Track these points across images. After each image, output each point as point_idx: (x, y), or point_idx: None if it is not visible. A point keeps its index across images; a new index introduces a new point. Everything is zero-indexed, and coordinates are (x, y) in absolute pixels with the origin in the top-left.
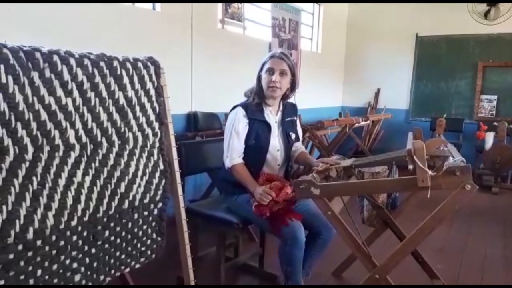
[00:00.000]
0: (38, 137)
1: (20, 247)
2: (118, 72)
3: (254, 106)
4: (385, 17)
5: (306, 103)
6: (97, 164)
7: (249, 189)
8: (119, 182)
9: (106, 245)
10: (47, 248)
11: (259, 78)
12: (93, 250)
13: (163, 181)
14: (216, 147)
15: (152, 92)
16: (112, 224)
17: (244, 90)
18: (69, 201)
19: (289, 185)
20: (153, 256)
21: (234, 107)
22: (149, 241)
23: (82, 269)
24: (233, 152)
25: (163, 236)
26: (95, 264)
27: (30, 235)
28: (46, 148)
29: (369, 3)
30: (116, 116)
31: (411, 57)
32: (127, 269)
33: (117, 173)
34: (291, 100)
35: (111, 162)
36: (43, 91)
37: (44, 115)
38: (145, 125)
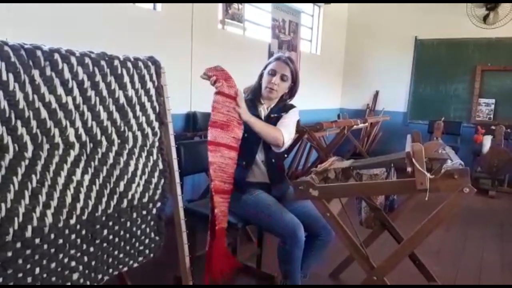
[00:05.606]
0: (38, 135)
1: (18, 245)
2: (119, 71)
3: (248, 102)
4: (385, 20)
5: (305, 105)
6: (96, 163)
7: None
8: (118, 181)
9: (105, 244)
10: (45, 246)
11: (260, 76)
12: (92, 249)
13: (162, 180)
14: None
15: (153, 91)
16: (110, 223)
17: (243, 87)
18: (68, 200)
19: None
20: (151, 255)
21: None
22: (147, 241)
23: (80, 267)
24: None
25: (161, 236)
26: (93, 263)
27: (28, 233)
28: (46, 146)
29: (368, 3)
30: (116, 115)
31: (410, 60)
32: (125, 268)
33: (116, 172)
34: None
35: (110, 161)
36: (44, 89)
37: (44, 113)
38: (145, 125)
